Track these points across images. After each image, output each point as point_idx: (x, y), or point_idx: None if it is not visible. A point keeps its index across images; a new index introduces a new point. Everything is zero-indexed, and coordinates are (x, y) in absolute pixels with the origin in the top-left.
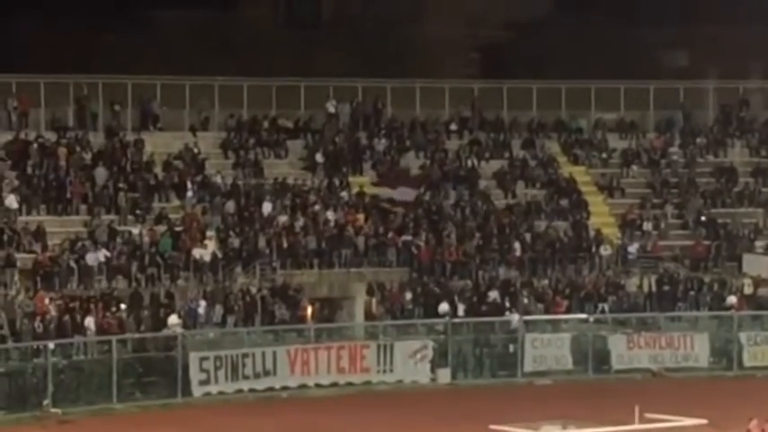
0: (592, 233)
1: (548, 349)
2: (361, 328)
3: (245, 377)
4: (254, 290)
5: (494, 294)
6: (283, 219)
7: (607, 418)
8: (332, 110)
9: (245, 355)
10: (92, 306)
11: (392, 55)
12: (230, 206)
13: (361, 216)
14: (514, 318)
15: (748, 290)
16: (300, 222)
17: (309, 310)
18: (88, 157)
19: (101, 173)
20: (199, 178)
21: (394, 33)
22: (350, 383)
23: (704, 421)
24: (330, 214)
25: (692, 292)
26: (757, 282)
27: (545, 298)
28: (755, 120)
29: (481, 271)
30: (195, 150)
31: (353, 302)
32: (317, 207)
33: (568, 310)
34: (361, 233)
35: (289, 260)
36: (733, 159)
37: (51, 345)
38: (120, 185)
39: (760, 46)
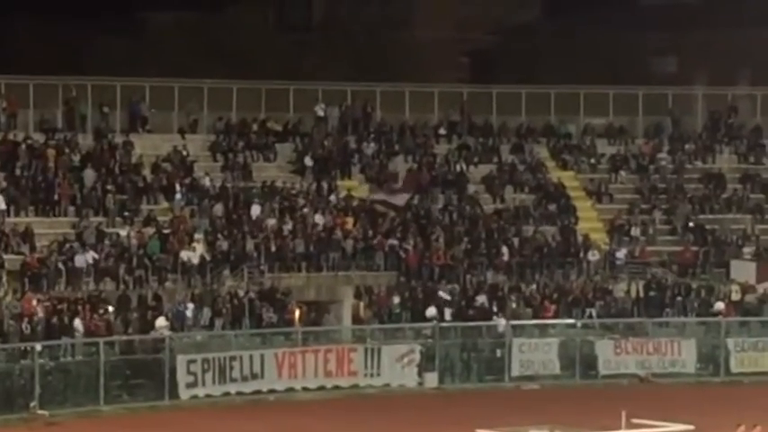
0: (580, 238)
1: (535, 354)
2: (348, 332)
3: (233, 380)
4: (241, 293)
5: (481, 299)
6: (272, 222)
7: (594, 423)
8: (321, 113)
9: (232, 358)
10: (79, 308)
11: (381, 59)
12: (218, 209)
13: (349, 219)
14: (502, 322)
15: (736, 296)
16: (289, 225)
17: (297, 313)
18: (77, 158)
19: (89, 174)
20: (187, 181)
21: (383, 37)
22: (337, 387)
23: (691, 427)
24: (318, 218)
25: (679, 298)
26: (745, 288)
27: (533, 303)
28: (744, 126)
29: (469, 275)
30: (184, 153)
31: (341, 306)
32: (305, 210)
33: (556, 315)
34: (350, 237)
35: (277, 263)
36: (721, 166)
37: (38, 346)
38: (109, 187)
39: (749, 52)
